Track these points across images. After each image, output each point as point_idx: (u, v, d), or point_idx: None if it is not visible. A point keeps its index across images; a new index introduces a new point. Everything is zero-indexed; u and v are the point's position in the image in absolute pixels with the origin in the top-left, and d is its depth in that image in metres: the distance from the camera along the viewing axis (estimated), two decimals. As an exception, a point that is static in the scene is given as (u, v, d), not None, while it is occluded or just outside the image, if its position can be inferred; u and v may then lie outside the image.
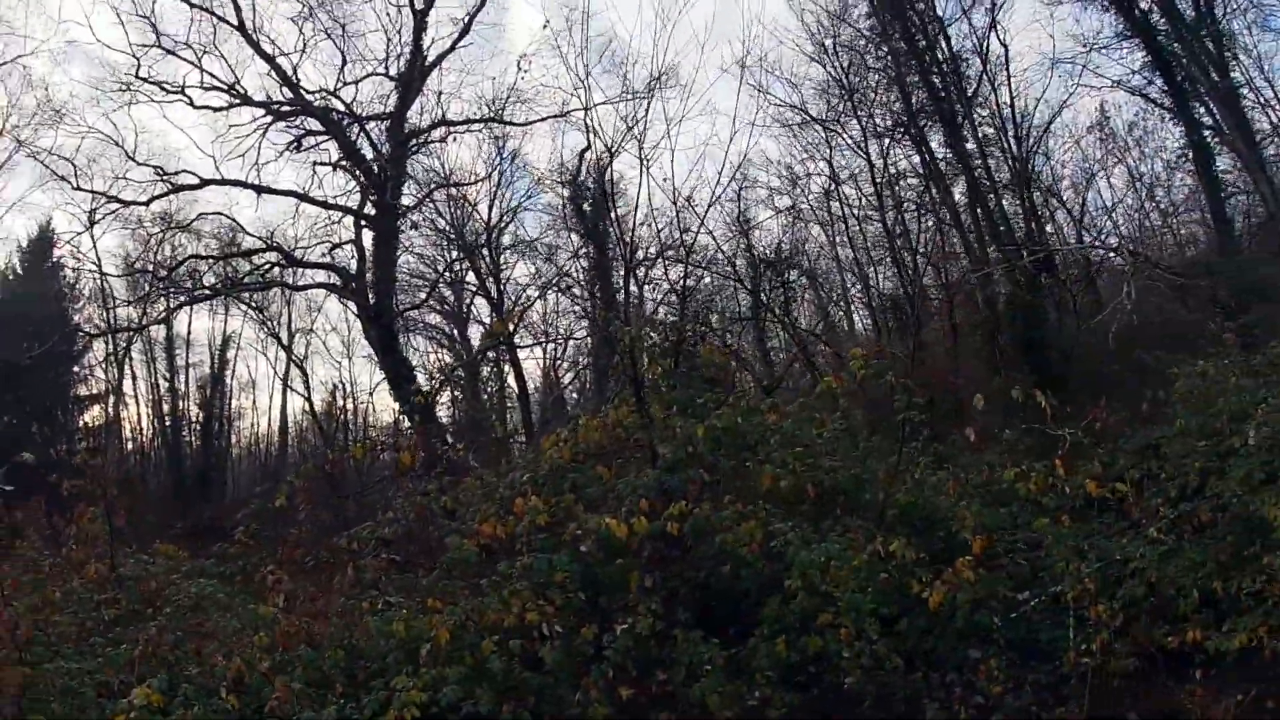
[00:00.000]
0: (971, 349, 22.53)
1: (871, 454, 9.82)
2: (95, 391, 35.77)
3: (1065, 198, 29.23)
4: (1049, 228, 28.21)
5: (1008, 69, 24.50)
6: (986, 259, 22.64)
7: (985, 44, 24.73)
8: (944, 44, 25.48)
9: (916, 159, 25.82)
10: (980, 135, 25.08)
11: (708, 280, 25.32)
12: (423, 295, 30.58)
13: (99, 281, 29.14)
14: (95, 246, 32.74)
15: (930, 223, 24.23)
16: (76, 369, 35.64)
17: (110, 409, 33.39)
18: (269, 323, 35.73)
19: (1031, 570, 8.89)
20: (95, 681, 7.76)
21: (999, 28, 24.63)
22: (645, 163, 17.87)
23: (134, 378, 37.48)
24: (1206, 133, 23.12)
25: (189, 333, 38.22)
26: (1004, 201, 24.50)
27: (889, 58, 25.33)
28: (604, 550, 8.37)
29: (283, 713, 7.31)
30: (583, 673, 7.69)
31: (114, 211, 23.38)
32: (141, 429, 38.40)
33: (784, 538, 8.12)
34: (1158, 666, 7.65)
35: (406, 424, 24.51)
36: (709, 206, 12.74)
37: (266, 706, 7.27)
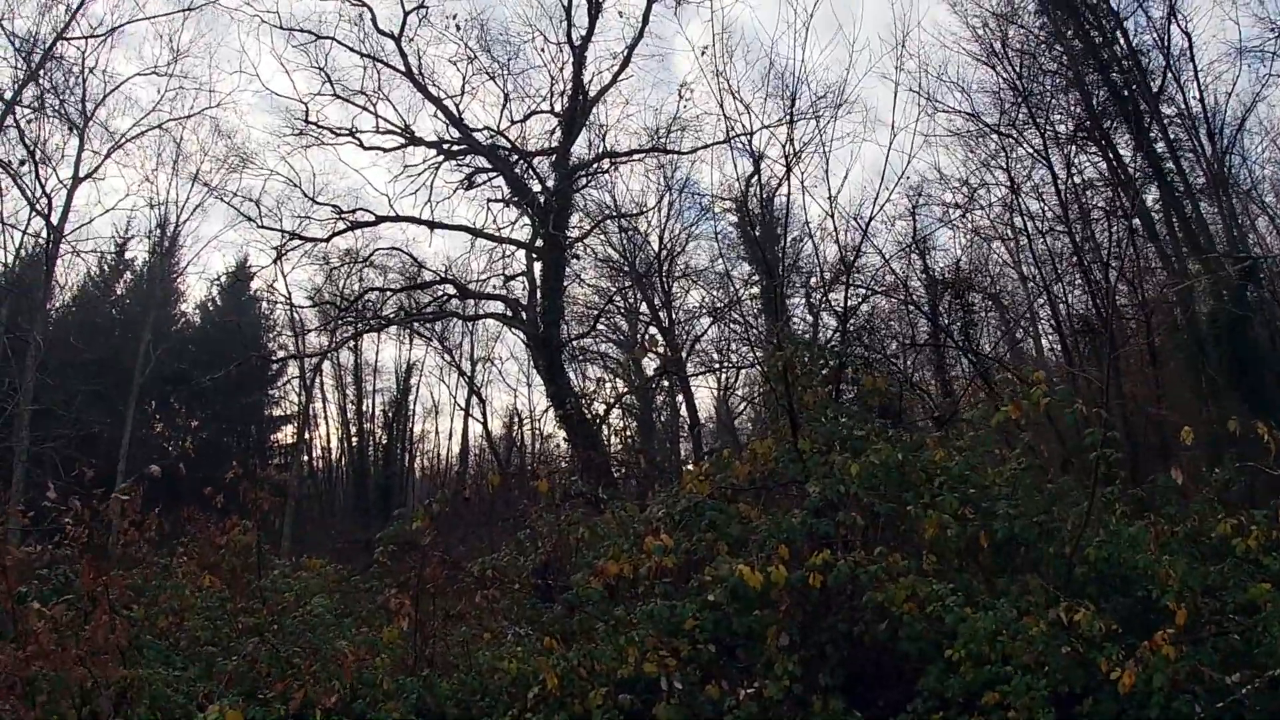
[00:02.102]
0: (1174, 374, 19.82)
1: (1059, 499, 8.19)
2: (288, 413, 37.73)
3: (1267, 202, 25.68)
4: (1250, 237, 24.77)
5: (1193, 61, 21.54)
6: (1185, 271, 19.92)
7: (1166, 36, 21.94)
8: (1122, 39, 22.88)
9: (1103, 165, 23.26)
10: (1171, 135, 22.29)
11: (884, 305, 23.77)
12: (595, 324, 30.18)
13: (290, 311, 30.65)
14: (285, 280, 34.70)
15: (1122, 234, 21.55)
16: (272, 392, 37.78)
17: (299, 428, 35.02)
18: (450, 351, 36.58)
19: (1246, 646, 6.97)
20: (195, 690, 7.45)
21: (1179, 16, 21.73)
22: (806, 183, 16.28)
23: (325, 401, 39.46)
24: None
25: (376, 360, 39.94)
26: (1200, 207, 21.58)
27: (1064, 58, 22.96)
28: (737, 600, 7.26)
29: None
30: (703, 737, 6.63)
31: (296, 247, 24.36)
32: (330, 449, 40.36)
33: (941, 602, 6.70)
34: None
35: (570, 450, 23.99)
36: (869, 221, 11.43)
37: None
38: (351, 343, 35.78)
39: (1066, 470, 9.77)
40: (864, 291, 17.99)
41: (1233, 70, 28.19)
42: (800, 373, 9.92)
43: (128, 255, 36.57)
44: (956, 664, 6.71)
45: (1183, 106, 22.32)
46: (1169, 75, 22.08)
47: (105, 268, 36.22)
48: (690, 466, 10.12)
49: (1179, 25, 21.99)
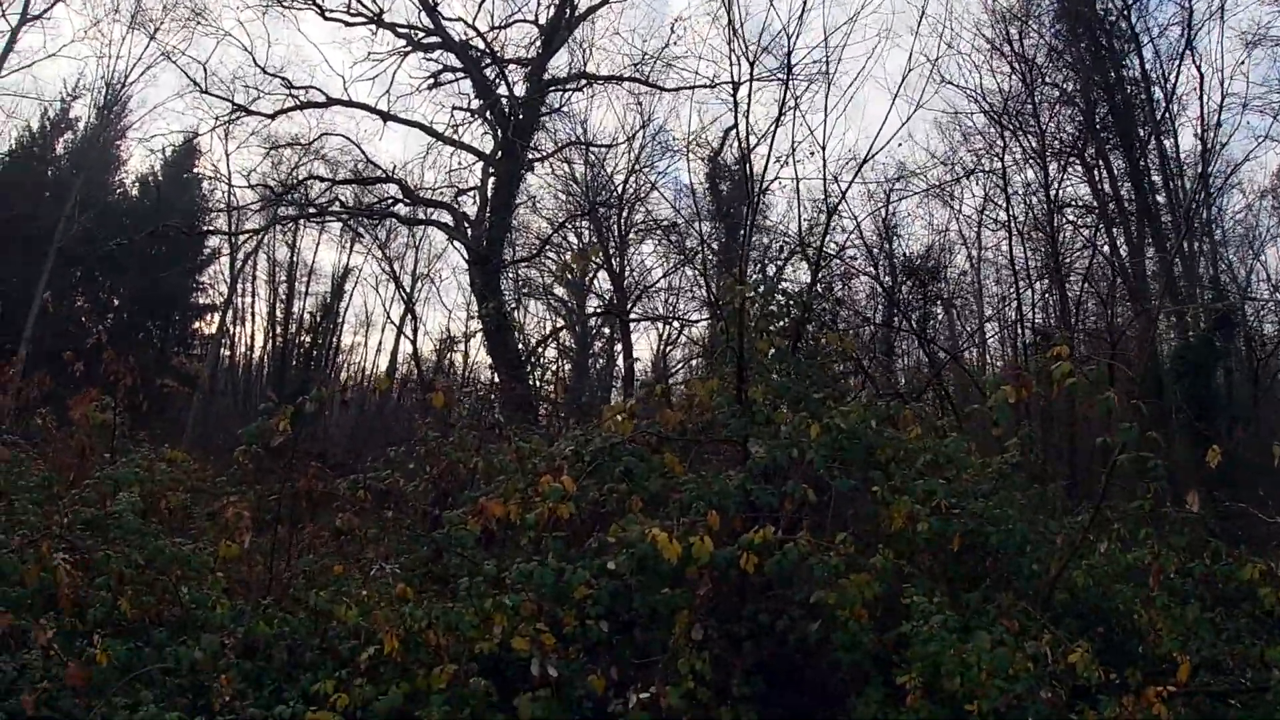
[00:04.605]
0: (1127, 406, 18.49)
1: (1045, 509, 6.59)
2: (214, 302, 34.93)
3: (1231, 260, 24.71)
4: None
5: (1201, 100, 19.88)
6: (1159, 304, 18.68)
7: (1176, 69, 20.42)
8: (1136, 62, 21.41)
9: (1086, 187, 21.90)
10: (1168, 168, 20.98)
11: (839, 289, 22.12)
12: (543, 253, 27.92)
13: (228, 192, 27.93)
14: (229, 159, 31.93)
15: (1099, 256, 20.15)
16: (200, 278, 35.01)
17: (222, 316, 32.47)
18: (390, 261, 33.99)
19: (1245, 714, 5.61)
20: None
21: (1195, 51, 20.14)
22: (794, 150, 14.07)
23: (254, 296, 36.75)
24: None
25: (314, 261, 37.31)
26: (1184, 246, 20.33)
27: (1072, 69, 21.41)
28: (644, 571, 5.49)
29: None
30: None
31: (238, 119, 21.70)
32: (254, 346, 37.70)
33: (922, 614, 5.00)
34: None
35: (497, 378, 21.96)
36: (862, 164, 9.63)
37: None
38: (289, 236, 33.23)
39: (1039, 479, 8.10)
40: (836, 249, 16.04)
41: (1230, 121, 27.00)
42: (758, 316, 8.15)
43: (72, 115, 33.25)
44: (905, 693, 5.08)
45: (1173, 143, 21.08)
46: (1171, 111, 20.68)
47: (46, 123, 32.87)
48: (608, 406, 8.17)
49: (1194, 60, 20.50)
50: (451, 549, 6.35)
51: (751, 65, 8.81)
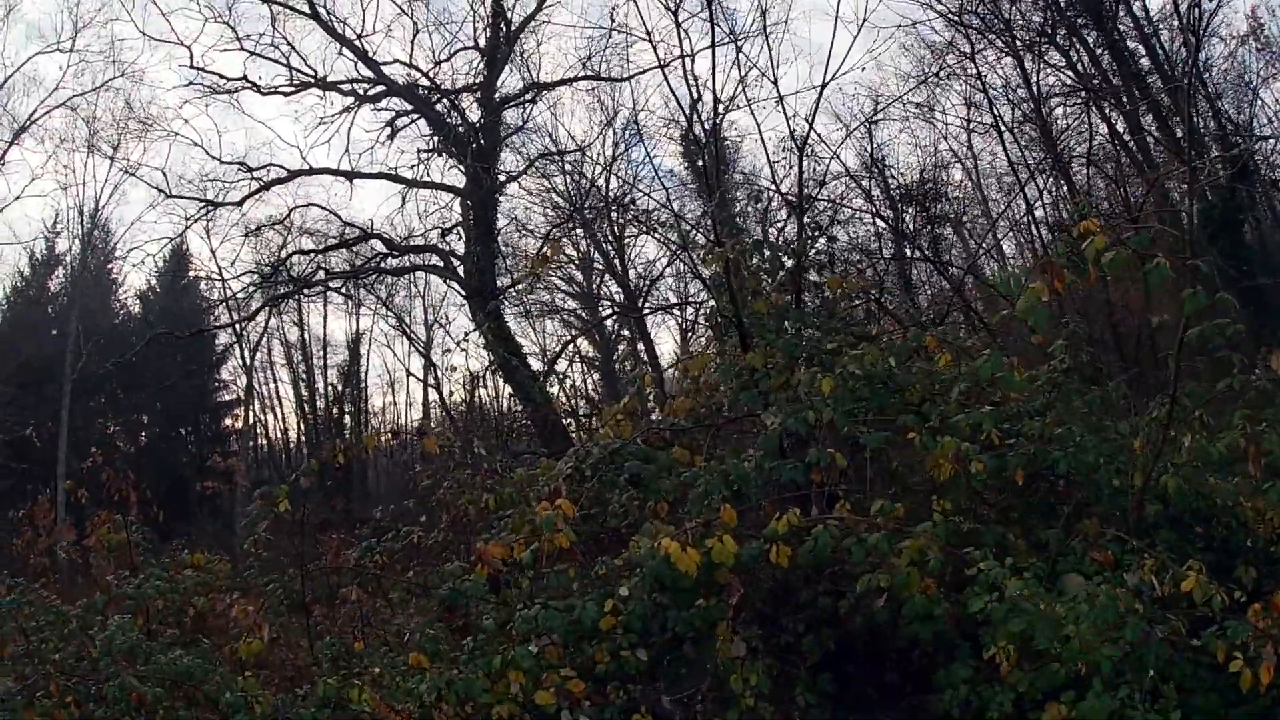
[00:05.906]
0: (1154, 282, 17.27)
1: (1110, 413, 5.64)
2: (238, 398, 34.53)
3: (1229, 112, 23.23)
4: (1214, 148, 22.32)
5: None
6: (1167, 169, 17.41)
7: None
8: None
9: (1066, 74, 20.65)
10: (1143, 30, 19.78)
11: (842, 236, 21.04)
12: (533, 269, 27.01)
13: (222, 285, 27.38)
14: (214, 255, 31.63)
15: (1097, 135, 18.83)
16: (221, 376, 34.83)
17: (245, 407, 32.07)
18: (399, 316, 33.32)
19: None
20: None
21: None
22: (744, 88, 12.88)
23: (277, 381, 36.30)
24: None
25: (325, 334, 36.57)
26: (1181, 105, 18.99)
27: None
28: (665, 589, 4.64)
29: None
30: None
31: (206, 216, 21.07)
32: (286, 429, 37.21)
33: (987, 584, 4.08)
34: None
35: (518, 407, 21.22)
36: (822, 89, 8.55)
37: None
38: (295, 315, 32.81)
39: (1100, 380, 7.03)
40: (816, 185, 14.84)
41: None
42: (749, 274, 7.27)
43: (59, 250, 33.08)
44: (997, 664, 4.19)
45: (1140, 8, 19.84)
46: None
47: (35, 264, 32.79)
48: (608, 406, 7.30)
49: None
50: (461, 603, 5.54)
51: (674, 11, 7.95)
